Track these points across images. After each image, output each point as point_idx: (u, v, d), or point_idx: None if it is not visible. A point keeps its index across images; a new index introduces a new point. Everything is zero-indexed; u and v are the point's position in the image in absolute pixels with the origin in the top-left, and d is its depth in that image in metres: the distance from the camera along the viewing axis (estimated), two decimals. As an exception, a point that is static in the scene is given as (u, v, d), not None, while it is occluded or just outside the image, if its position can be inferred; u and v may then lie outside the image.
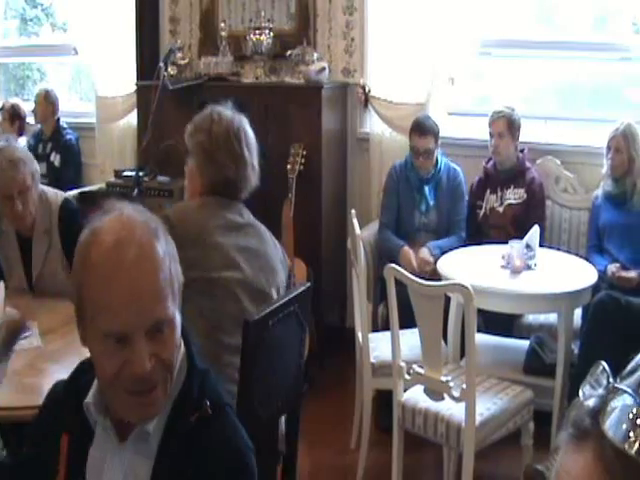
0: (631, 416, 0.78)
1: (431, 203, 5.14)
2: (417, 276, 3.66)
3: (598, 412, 0.82)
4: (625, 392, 0.80)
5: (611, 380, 0.84)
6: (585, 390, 0.86)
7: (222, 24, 5.99)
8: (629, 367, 0.86)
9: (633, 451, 0.76)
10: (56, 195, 3.92)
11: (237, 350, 2.86)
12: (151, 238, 1.60)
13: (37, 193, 3.76)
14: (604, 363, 0.87)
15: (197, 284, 2.91)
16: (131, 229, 1.60)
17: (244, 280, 3.03)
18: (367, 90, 5.70)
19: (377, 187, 5.50)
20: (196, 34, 6.30)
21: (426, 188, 5.13)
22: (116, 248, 1.56)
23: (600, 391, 0.84)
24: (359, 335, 4.33)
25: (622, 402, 0.80)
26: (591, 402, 0.83)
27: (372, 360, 4.21)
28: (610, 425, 0.80)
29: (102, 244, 1.57)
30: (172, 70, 5.87)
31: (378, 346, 4.33)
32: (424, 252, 4.95)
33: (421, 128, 5.05)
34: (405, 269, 4.77)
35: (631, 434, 0.77)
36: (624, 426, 0.78)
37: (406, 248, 4.98)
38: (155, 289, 1.57)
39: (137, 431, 1.68)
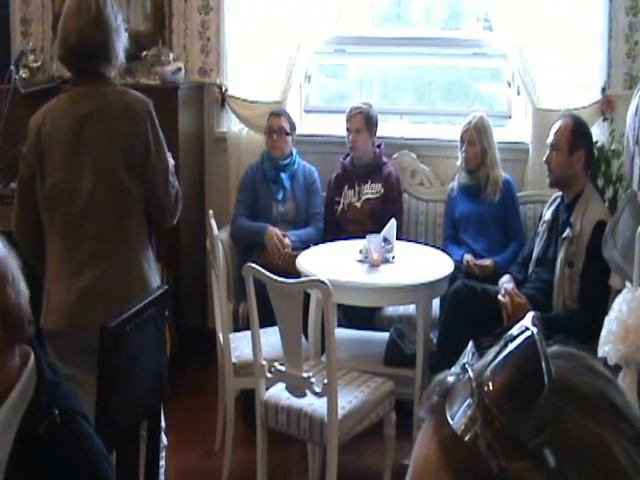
0: (466, 398, 0.79)
1: (287, 187, 5.25)
2: (276, 273, 3.66)
3: (448, 390, 0.82)
4: (469, 375, 0.81)
5: (466, 360, 0.84)
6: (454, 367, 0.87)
7: (76, 25, 5.85)
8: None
9: (460, 432, 0.78)
10: None
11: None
12: None
13: None
14: (471, 342, 0.88)
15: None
16: None
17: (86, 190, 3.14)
18: (224, 90, 5.67)
19: (235, 187, 5.49)
20: (49, 35, 6.12)
21: (282, 175, 5.24)
22: None
23: (457, 369, 0.84)
24: (220, 336, 4.31)
25: (462, 380, 0.81)
26: (449, 378, 0.84)
27: (234, 360, 4.20)
28: (449, 402, 0.81)
29: None
30: (24, 73, 5.71)
31: (239, 346, 4.33)
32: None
33: (277, 111, 5.32)
34: (271, 249, 4.87)
35: (462, 415, 0.78)
36: (459, 407, 0.79)
37: (270, 227, 5.07)
38: None
39: None
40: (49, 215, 3.18)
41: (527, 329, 0.81)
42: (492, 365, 0.80)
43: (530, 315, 0.85)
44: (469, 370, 0.81)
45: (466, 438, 0.76)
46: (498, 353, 0.81)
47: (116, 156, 3.13)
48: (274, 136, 5.23)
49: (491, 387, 0.78)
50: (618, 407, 0.81)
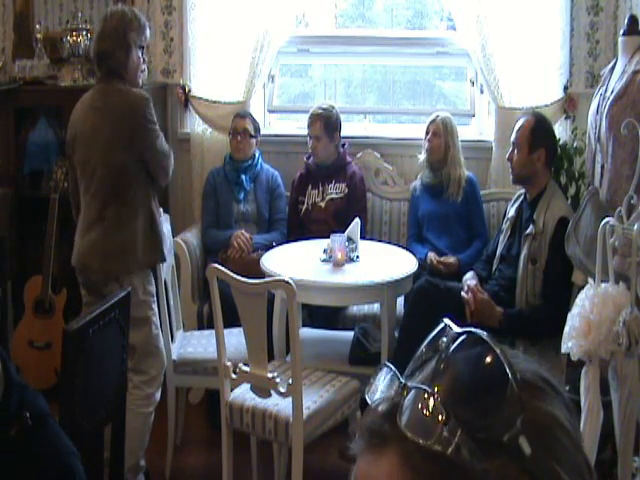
0: (428, 410, 0.76)
1: (248, 189, 5.25)
2: (240, 274, 3.64)
3: (393, 414, 0.79)
4: (419, 389, 0.78)
5: (402, 380, 0.81)
6: (372, 395, 0.84)
7: (37, 26, 5.81)
8: (412, 366, 0.86)
9: (433, 443, 0.76)
10: None
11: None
12: None
13: None
14: (389, 365, 0.86)
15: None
16: None
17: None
18: (187, 90, 5.64)
19: (199, 187, 5.47)
20: (10, 36, 6.06)
21: (243, 177, 5.23)
22: None
23: (391, 393, 0.81)
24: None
25: (416, 399, 0.78)
26: (383, 406, 0.81)
27: (173, 358, 4.20)
28: (408, 424, 0.77)
29: None
30: (-15, 74, 5.67)
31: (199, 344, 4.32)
32: None
33: (242, 113, 5.33)
34: (237, 245, 4.93)
35: (431, 428, 0.76)
36: (423, 422, 0.77)
37: (237, 231, 5.06)
38: None
39: None
40: (78, 182, 3.99)
41: (471, 333, 0.81)
42: (449, 375, 0.79)
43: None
44: (419, 386, 0.79)
45: (448, 451, 0.75)
46: (443, 362, 0.80)
47: (115, 140, 3.82)
48: (238, 137, 5.22)
49: (457, 397, 0.77)
50: (553, 384, 0.85)
